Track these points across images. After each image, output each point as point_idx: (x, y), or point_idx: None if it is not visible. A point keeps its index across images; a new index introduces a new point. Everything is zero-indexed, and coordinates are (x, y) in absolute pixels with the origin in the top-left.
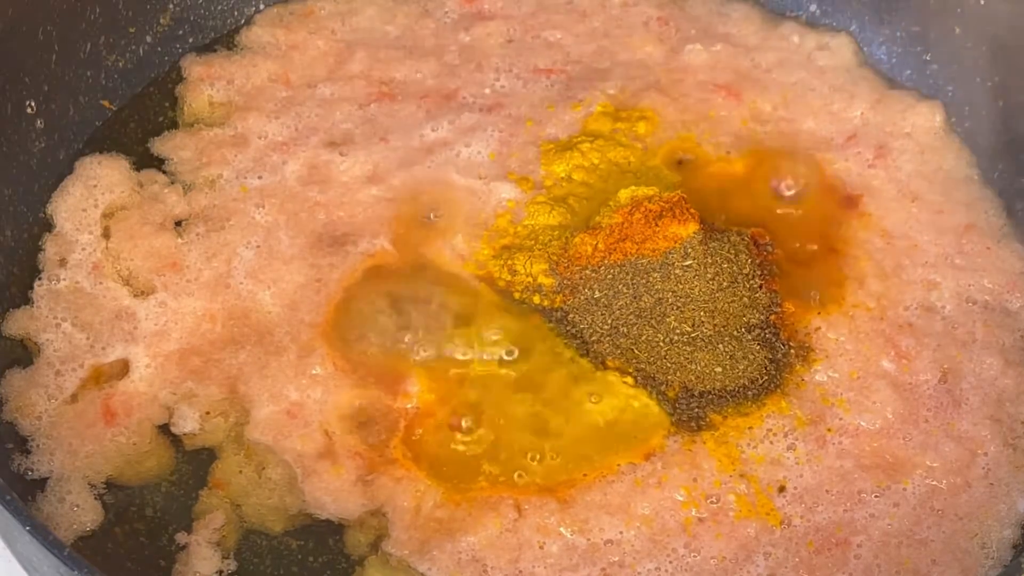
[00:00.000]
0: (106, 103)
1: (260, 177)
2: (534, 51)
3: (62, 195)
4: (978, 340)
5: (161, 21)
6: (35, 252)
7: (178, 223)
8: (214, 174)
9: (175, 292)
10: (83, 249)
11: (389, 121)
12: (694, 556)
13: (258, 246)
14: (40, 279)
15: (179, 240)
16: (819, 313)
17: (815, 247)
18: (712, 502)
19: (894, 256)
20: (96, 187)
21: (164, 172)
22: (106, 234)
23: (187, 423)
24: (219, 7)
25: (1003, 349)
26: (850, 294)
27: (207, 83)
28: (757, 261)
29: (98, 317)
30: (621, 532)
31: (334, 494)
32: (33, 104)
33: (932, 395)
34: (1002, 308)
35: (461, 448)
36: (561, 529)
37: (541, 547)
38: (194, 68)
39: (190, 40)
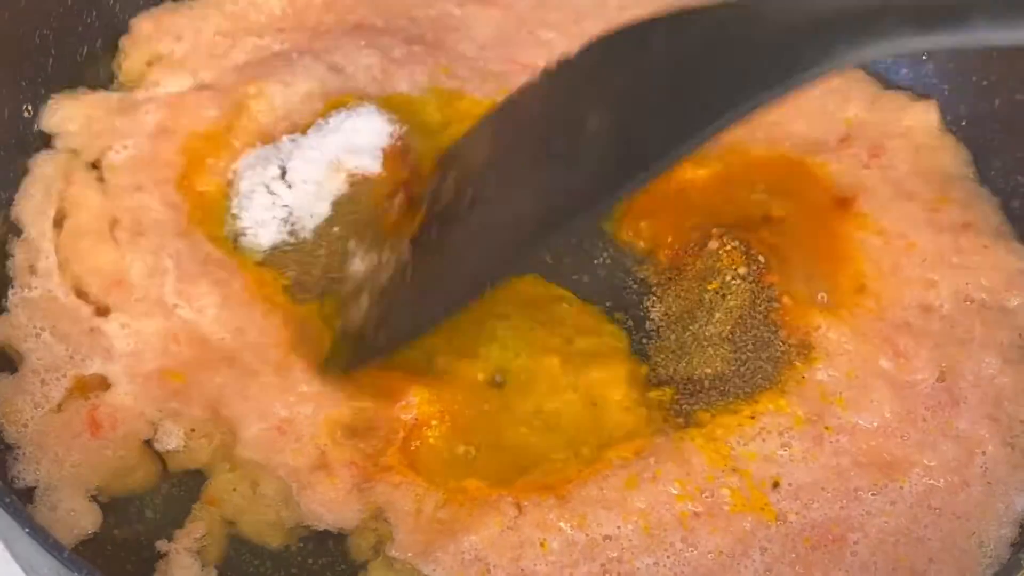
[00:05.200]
0: None
1: None
2: (519, 44)
3: (25, 197)
4: (976, 339)
5: None
6: (5, 258)
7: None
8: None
9: (131, 313)
10: (47, 257)
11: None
12: (691, 551)
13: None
14: (13, 287)
15: (119, 251)
16: (819, 312)
17: (812, 247)
18: (707, 496)
19: (891, 255)
20: (50, 187)
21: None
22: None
23: (171, 440)
24: None
25: (1001, 347)
26: (849, 293)
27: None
28: (755, 258)
29: (75, 328)
30: (619, 527)
31: (330, 505)
32: (31, 107)
33: (930, 394)
34: (999, 306)
35: (456, 452)
36: (561, 524)
37: (542, 544)
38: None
39: None
